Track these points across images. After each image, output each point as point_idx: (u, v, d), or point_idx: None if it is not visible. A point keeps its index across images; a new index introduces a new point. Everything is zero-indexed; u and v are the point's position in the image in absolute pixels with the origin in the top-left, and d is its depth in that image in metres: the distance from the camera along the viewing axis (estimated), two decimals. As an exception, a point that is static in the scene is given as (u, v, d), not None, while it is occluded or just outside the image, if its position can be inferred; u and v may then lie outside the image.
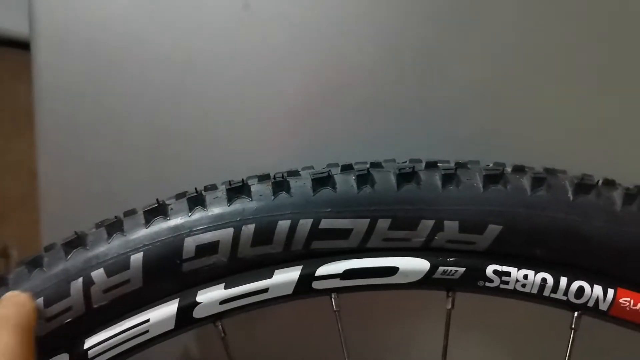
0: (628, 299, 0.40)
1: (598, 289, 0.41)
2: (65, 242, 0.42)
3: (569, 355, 0.42)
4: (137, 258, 0.41)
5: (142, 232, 0.41)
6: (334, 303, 0.43)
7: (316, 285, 0.42)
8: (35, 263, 0.41)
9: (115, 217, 0.43)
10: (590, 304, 0.41)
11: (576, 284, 0.41)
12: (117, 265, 0.41)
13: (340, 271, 0.42)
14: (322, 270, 0.42)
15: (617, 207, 0.41)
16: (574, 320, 0.42)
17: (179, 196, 0.44)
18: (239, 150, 0.53)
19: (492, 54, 0.50)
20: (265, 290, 0.42)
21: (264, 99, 0.52)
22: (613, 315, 0.41)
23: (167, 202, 0.43)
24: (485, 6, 0.49)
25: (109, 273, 0.41)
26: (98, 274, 0.40)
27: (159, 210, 0.42)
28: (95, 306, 0.41)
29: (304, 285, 0.42)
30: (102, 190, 0.53)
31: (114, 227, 0.42)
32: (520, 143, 0.52)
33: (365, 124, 0.52)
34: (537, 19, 0.49)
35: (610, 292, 0.41)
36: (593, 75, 0.50)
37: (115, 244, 0.41)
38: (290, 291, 0.42)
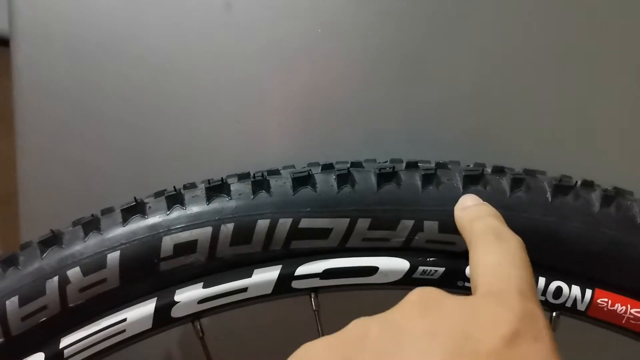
0: (606, 300, 0.41)
1: (576, 290, 0.41)
2: (41, 241, 0.41)
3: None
4: (113, 257, 0.40)
5: (119, 231, 0.41)
6: (313, 303, 0.43)
7: (295, 284, 0.42)
8: (10, 261, 0.41)
9: (92, 215, 0.42)
10: (569, 304, 0.41)
11: (554, 284, 0.41)
12: (94, 264, 0.40)
13: (320, 271, 0.42)
14: (301, 270, 0.42)
15: (594, 208, 0.41)
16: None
17: (157, 194, 0.43)
18: (222, 150, 0.53)
19: (479, 56, 0.50)
20: (244, 289, 0.42)
21: (247, 99, 0.52)
22: (591, 316, 0.41)
23: (145, 200, 0.43)
24: (472, 8, 0.49)
25: (85, 272, 0.40)
26: (74, 272, 0.40)
27: (136, 209, 0.42)
28: (71, 305, 0.40)
29: (284, 284, 0.42)
30: (82, 188, 0.53)
31: (91, 225, 0.41)
32: (504, 144, 0.52)
33: (351, 124, 0.52)
34: (522, 20, 0.49)
35: (588, 292, 0.41)
36: (575, 77, 0.50)
37: (92, 242, 0.41)
38: (269, 291, 0.42)
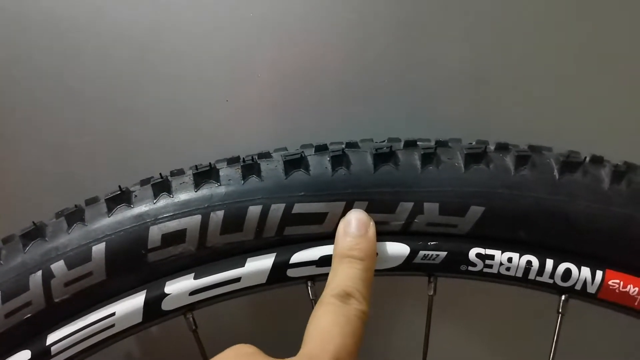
0: (617, 281, 0.39)
1: (586, 271, 0.39)
2: (23, 234, 0.39)
3: (556, 341, 0.40)
4: (99, 249, 0.38)
5: (105, 222, 0.39)
6: (310, 291, 0.41)
7: (291, 273, 0.40)
8: (-9, 256, 0.39)
9: (76, 205, 0.40)
10: (578, 286, 0.39)
11: (563, 267, 0.39)
12: (78, 257, 0.38)
13: (316, 258, 0.40)
14: (296, 257, 0.40)
15: (604, 185, 0.39)
16: (560, 304, 0.40)
17: (143, 182, 0.41)
18: (210, 132, 0.50)
19: (473, 32, 0.48)
20: (237, 279, 0.40)
21: (235, 79, 0.49)
22: (602, 298, 0.39)
23: (130, 189, 0.41)
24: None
25: (70, 265, 0.38)
26: (58, 266, 0.38)
27: (122, 198, 0.40)
28: (56, 300, 0.39)
29: (278, 273, 0.40)
30: (63, 177, 0.50)
31: (75, 216, 0.40)
32: (503, 121, 0.50)
33: (342, 105, 0.50)
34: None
35: (599, 274, 0.39)
36: (579, 50, 0.48)
37: (76, 234, 0.39)
38: (263, 280, 0.40)
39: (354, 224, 0.38)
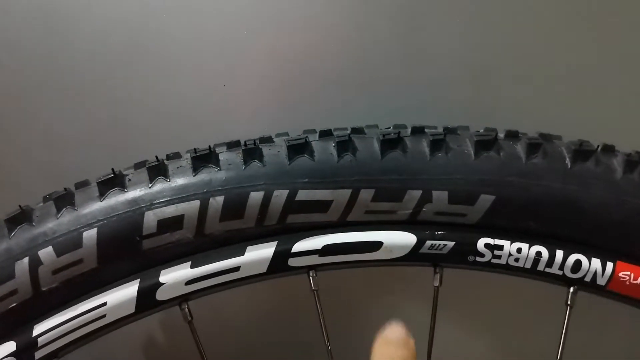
0: (628, 273, 0.38)
1: (596, 263, 0.38)
2: (8, 218, 0.37)
3: (564, 333, 0.39)
4: (90, 235, 0.36)
5: (96, 206, 0.37)
6: (312, 281, 0.39)
7: (293, 262, 0.39)
8: (-26, 242, 0.37)
9: (65, 189, 0.38)
10: (588, 278, 0.38)
11: (573, 258, 0.38)
12: (68, 243, 0.36)
13: (319, 247, 0.38)
14: (299, 246, 0.38)
15: (617, 175, 0.38)
16: (569, 296, 0.39)
17: (138, 166, 0.39)
18: (209, 116, 0.48)
19: (475, 19, 0.47)
20: (236, 268, 0.38)
21: (235, 60, 0.47)
22: (611, 290, 0.38)
23: (124, 172, 0.38)
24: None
25: (59, 252, 0.36)
26: (46, 253, 0.36)
27: (115, 182, 0.37)
28: (44, 289, 0.37)
29: (280, 262, 0.38)
30: (54, 159, 0.48)
31: (64, 200, 0.37)
32: (506, 110, 0.49)
33: (351, 87, 0.48)
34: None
35: (609, 265, 0.38)
36: (589, 36, 0.47)
37: (66, 219, 0.37)
38: (264, 269, 0.39)
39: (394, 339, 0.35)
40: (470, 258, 0.39)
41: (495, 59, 0.48)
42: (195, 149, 0.38)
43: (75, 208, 0.37)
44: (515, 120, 0.47)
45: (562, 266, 0.38)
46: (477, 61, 0.48)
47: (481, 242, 0.38)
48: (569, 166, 0.38)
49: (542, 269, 0.39)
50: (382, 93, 0.49)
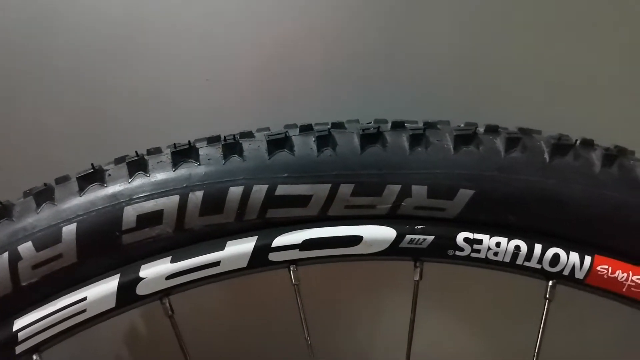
0: (606, 267, 0.38)
1: (574, 257, 0.38)
2: (-13, 213, 0.37)
3: (543, 326, 0.40)
4: (69, 230, 0.36)
5: (76, 201, 0.37)
6: (292, 276, 0.40)
7: (273, 257, 0.39)
8: (-47, 237, 0.37)
9: (45, 184, 0.38)
10: (566, 272, 0.38)
11: (551, 252, 0.38)
12: (48, 238, 0.36)
13: (299, 241, 0.39)
14: (279, 241, 0.38)
15: (596, 169, 0.38)
16: (548, 289, 0.39)
17: (117, 161, 0.39)
18: (190, 111, 0.48)
19: (462, 14, 0.47)
20: (216, 263, 0.38)
21: (217, 55, 0.47)
22: (590, 284, 0.39)
23: (104, 167, 0.39)
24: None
25: (39, 247, 0.36)
26: (26, 248, 0.36)
27: (94, 177, 0.38)
28: (23, 284, 0.37)
29: (260, 257, 0.39)
30: (34, 154, 0.48)
31: (44, 195, 0.37)
32: (492, 105, 0.49)
33: (333, 82, 0.48)
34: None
35: (588, 259, 0.38)
36: (573, 30, 0.47)
37: (45, 214, 0.37)
38: (244, 264, 0.39)
39: None
40: (450, 252, 0.39)
41: (487, 54, 0.48)
42: (175, 144, 0.38)
43: (55, 203, 0.37)
44: (501, 114, 0.48)
45: (540, 260, 0.38)
46: (469, 56, 0.48)
47: (460, 237, 0.39)
48: (548, 160, 0.38)
49: (520, 263, 0.39)
50: (369, 88, 0.49)
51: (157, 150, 0.39)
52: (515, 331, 0.52)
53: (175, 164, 0.38)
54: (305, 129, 0.40)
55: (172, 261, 0.38)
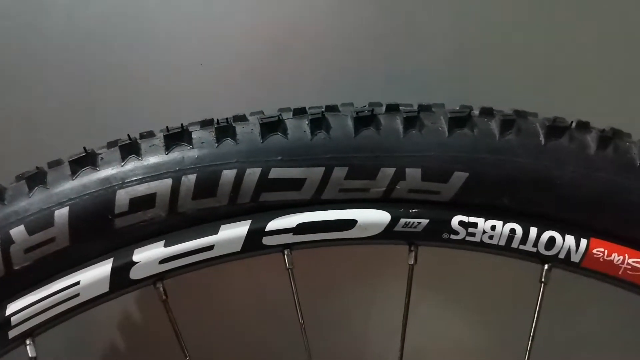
0: (602, 250, 0.38)
1: (570, 240, 0.38)
2: (-21, 197, 0.37)
3: (538, 310, 0.39)
4: (62, 213, 0.36)
5: (68, 185, 0.37)
6: (286, 260, 0.39)
7: (267, 241, 0.39)
8: (-55, 221, 0.37)
9: (37, 168, 0.38)
10: (562, 255, 0.38)
11: (547, 235, 0.38)
12: (40, 222, 0.36)
13: (293, 225, 0.38)
14: (273, 225, 0.38)
15: (590, 151, 0.38)
16: (543, 273, 0.39)
17: (110, 144, 0.39)
18: (182, 98, 0.48)
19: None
20: (210, 247, 0.38)
21: (211, 39, 0.47)
22: (586, 267, 0.38)
23: (96, 151, 0.38)
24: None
25: (31, 230, 0.36)
26: (18, 231, 0.36)
27: (87, 160, 0.37)
28: (16, 268, 0.37)
29: (254, 241, 0.38)
30: (25, 138, 0.48)
31: (36, 179, 0.37)
32: (487, 88, 0.49)
33: (326, 65, 0.48)
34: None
35: (583, 242, 0.38)
36: (569, 13, 0.47)
37: (37, 198, 0.37)
38: (238, 248, 0.39)
39: None
40: (445, 236, 0.39)
41: (483, 38, 0.48)
42: (167, 127, 0.38)
43: (47, 187, 0.37)
44: (496, 96, 0.47)
45: (536, 243, 0.38)
46: (459, 41, 0.48)
47: (455, 220, 0.38)
48: (543, 142, 0.38)
49: (516, 246, 0.38)
50: (363, 72, 0.49)
51: (149, 134, 0.39)
52: (511, 315, 0.52)
53: (168, 148, 0.38)
54: (299, 112, 0.39)
55: (166, 245, 0.38)
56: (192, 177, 0.37)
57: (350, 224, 0.39)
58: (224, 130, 0.38)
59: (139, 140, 0.38)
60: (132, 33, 0.46)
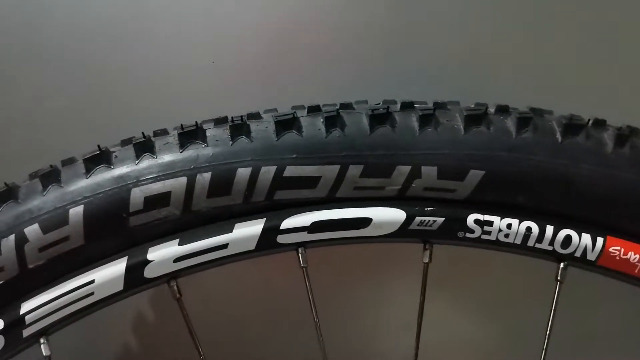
0: (618, 248, 0.38)
1: (586, 238, 0.38)
2: (-7, 196, 0.37)
3: (554, 309, 0.39)
4: (76, 212, 0.36)
5: (82, 183, 0.37)
6: (301, 258, 0.39)
7: (281, 239, 0.38)
8: (-41, 219, 0.36)
9: (51, 166, 0.38)
10: (578, 253, 0.38)
11: (563, 233, 0.38)
12: (54, 221, 0.36)
13: (308, 224, 0.38)
14: (287, 223, 0.38)
15: (608, 149, 0.38)
16: (559, 271, 0.39)
17: (124, 142, 0.39)
18: (194, 96, 0.48)
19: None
20: (224, 246, 0.38)
21: (223, 36, 0.47)
22: (601, 266, 0.38)
23: (111, 149, 0.38)
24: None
25: (45, 229, 0.36)
26: (32, 230, 0.36)
27: (101, 158, 0.37)
28: (30, 266, 0.36)
29: (268, 239, 0.38)
30: (39, 137, 0.48)
31: (50, 177, 0.37)
32: (498, 86, 0.48)
33: (339, 63, 0.48)
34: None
35: (600, 240, 0.38)
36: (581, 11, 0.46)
37: (52, 196, 0.36)
38: (252, 247, 0.38)
39: None
40: (460, 234, 0.39)
41: (488, 33, 0.47)
42: (182, 125, 0.38)
43: (62, 185, 0.37)
44: (509, 94, 0.47)
45: (552, 242, 0.38)
46: (469, 38, 0.48)
47: (471, 218, 0.38)
48: (560, 140, 0.38)
49: (532, 245, 0.38)
50: (375, 69, 0.48)
51: (163, 132, 0.39)
52: (526, 313, 0.52)
53: (183, 145, 0.37)
54: (313, 109, 0.39)
55: (180, 244, 0.38)
56: (207, 175, 0.37)
57: (365, 222, 0.38)
58: (239, 128, 0.38)
59: (153, 138, 0.38)
60: (144, 32, 0.46)
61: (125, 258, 0.37)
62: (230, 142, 0.37)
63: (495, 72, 0.49)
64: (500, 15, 0.47)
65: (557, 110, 0.40)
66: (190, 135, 0.38)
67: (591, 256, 0.38)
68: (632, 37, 0.48)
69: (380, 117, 0.38)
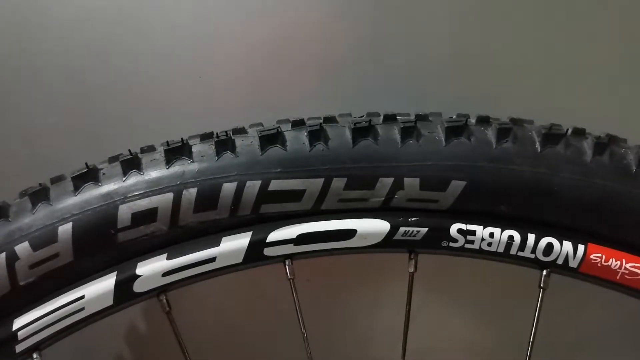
0: (599, 255, 0.38)
1: (568, 245, 0.38)
2: (-16, 215, 0.37)
3: (537, 315, 0.40)
4: (65, 229, 0.37)
5: (71, 201, 0.37)
6: (288, 270, 0.40)
7: (268, 252, 0.39)
8: (-49, 238, 0.37)
9: (40, 184, 0.38)
10: (560, 261, 0.39)
11: (545, 241, 0.38)
12: (44, 238, 0.37)
13: (294, 236, 0.39)
14: (273, 236, 0.39)
15: (587, 157, 0.38)
16: (542, 278, 0.39)
17: (111, 159, 0.39)
18: (181, 111, 0.48)
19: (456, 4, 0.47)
20: (212, 259, 0.39)
21: (209, 52, 0.47)
22: (584, 272, 0.39)
23: (98, 166, 0.39)
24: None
25: (35, 246, 0.37)
26: (22, 247, 0.36)
27: (89, 176, 0.38)
28: (21, 283, 0.37)
29: (255, 252, 0.39)
30: (28, 154, 0.48)
31: (39, 195, 0.38)
32: (485, 96, 0.49)
33: (323, 78, 0.48)
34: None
35: (581, 248, 0.38)
36: (563, 19, 0.47)
37: (41, 214, 0.37)
38: (240, 260, 0.39)
39: None
40: (444, 243, 0.39)
41: (482, 43, 0.48)
42: (168, 141, 0.39)
43: (51, 203, 0.37)
44: (496, 104, 0.48)
45: (534, 249, 0.39)
46: (458, 49, 0.48)
47: (454, 228, 0.39)
48: (539, 150, 0.38)
49: (514, 253, 0.39)
50: (363, 84, 0.49)
51: (150, 148, 0.40)
52: (512, 320, 0.52)
53: (169, 162, 0.38)
54: (297, 123, 0.40)
55: (168, 258, 0.38)
56: (193, 191, 0.37)
57: (350, 233, 0.39)
58: (224, 143, 0.38)
59: (139, 155, 0.39)
60: (132, 48, 0.47)
61: (115, 273, 0.38)
62: (216, 158, 0.38)
63: (488, 82, 0.49)
64: (495, 18, 0.47)
65: (550, 114, 0.40)
66: (177, 152, 0.38)
67: (573, 263, 0.39)
68: (619, 43, 0.48)
69: (362, 130, 0.39)
